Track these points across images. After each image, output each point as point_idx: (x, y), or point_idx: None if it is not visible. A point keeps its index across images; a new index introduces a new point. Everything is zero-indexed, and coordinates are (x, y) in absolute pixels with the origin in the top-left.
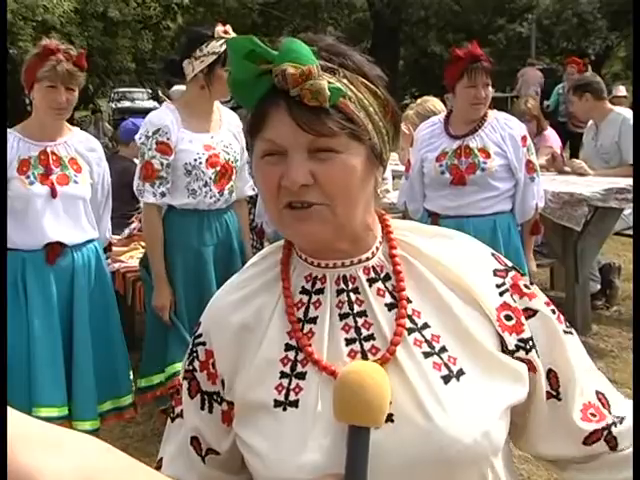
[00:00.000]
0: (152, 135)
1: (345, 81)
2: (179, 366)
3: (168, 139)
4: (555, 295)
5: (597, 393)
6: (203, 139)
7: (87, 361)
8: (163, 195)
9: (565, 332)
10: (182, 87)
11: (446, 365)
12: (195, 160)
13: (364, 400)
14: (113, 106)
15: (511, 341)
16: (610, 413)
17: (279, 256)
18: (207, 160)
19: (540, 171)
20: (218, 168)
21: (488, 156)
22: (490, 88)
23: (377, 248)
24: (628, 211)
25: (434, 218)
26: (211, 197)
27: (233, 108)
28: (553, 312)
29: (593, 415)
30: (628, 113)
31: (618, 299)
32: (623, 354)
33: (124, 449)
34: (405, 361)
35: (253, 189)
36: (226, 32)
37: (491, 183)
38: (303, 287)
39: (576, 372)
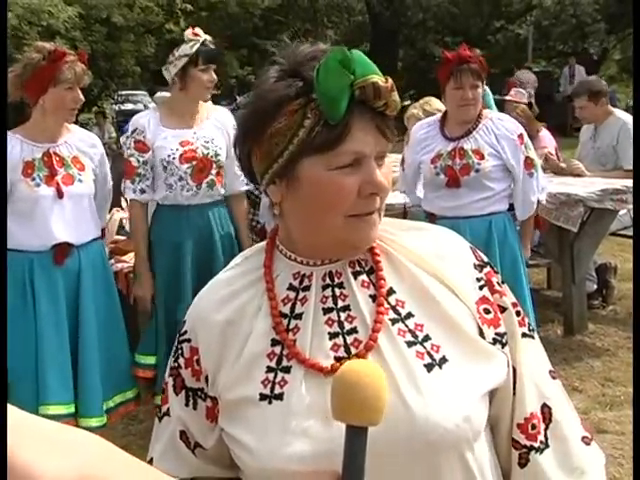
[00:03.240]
0: (130, 135)
1: None
2: (142, 358)
3: (144, 137)
4: (552, 295)
5: (543, 406)
6: (182, 135)
7: (93, 358)
8: (143, 191)
9: (524, 335)
10: (165, 93)
11: (429, 354)
12: (169, 156)
13: (360, 400)
14: (117, 108)
15: (489, 334)
16: (546, 430)
17: (262, 257)
18: (182, 155)
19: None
20: (194, 163)
21: (482, 157)
22: (479, 90)
23: None
24: (623, 211)
25: (431, 219)
26: (188, 190)
27: (233, 110)
28: (517, 314)
29: (533, 427)
30: (628, 117)
31: (614, 299)
32: (619, 352)
33: (127, 446)
34: (388, 351)
35: (247, 184)
36: (196, 34)
37: (486, 184)
38: (290, 284)
39: (525, 377)
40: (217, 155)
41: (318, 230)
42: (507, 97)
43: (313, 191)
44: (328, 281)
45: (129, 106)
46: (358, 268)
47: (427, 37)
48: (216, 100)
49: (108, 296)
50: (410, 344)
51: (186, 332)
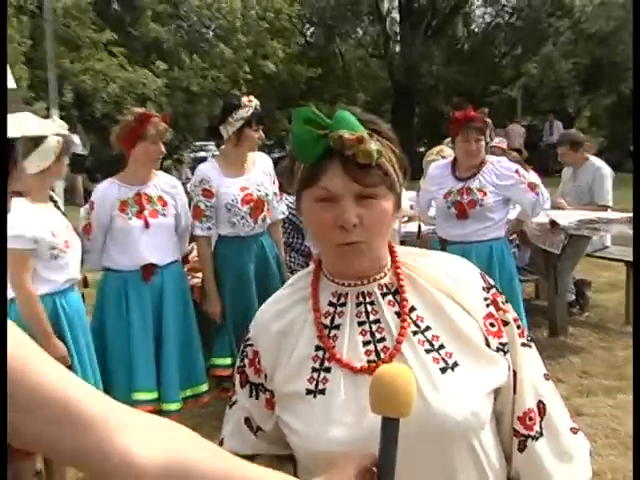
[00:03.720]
0: (198, 184)
1: (379, 143)
2: (219, 360)
3: (210, 186)
4: (540, 304)
5: (539, 402)
6: (239, 182)
7: (172, 356)
8: (209, 229)
9: (523, 344)
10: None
11: (443, 359)
12: (232, 200)
13: (395, 395)
14: (192, 156)
15: (494, 343)
16: (541, 422)
17: (310, 279)
18: (242, 199)
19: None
20: (252, 204)
21: (485, 194)
22: (482, 142)
23: (388, 269)
24: (596, 237)
25: (444, 244)
26: (247, 226)
27: (278, 157)
28: (518, 327)
29: (530, 419)
30: (600, 163)
31: (589, 307)
32: (593, 350)
33: (200, 424)
34: (410, 357)
35: (283, 213)
36: (250, 101)
37: (488, 215)
38: (330, 301)
39: (523, 379)
40: (267, 195)
41: (325, 256)
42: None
43: (307, 220)
44: (361, 299)
45: (202, 154)
46: (385, 290)
47: (438, 98)
48: (271, 150)
49: (185, 307)
50: (428, 351)
51: (250, 339)
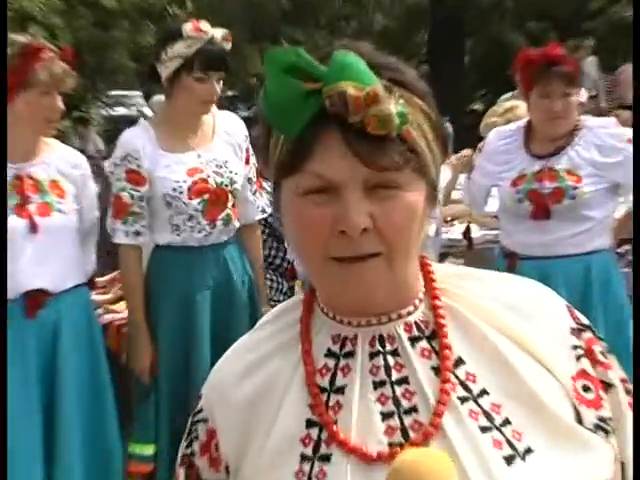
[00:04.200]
0: (120, 162)
1: (402, 102)
2: (138, 448)
3: (139, 166)
4: None
5: None
6: (187, 161)
7: (71, 440)
8: (138, 234)
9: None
10: (161, 97)
11: (509, 442)
12: (174, 190)
13: None
14: (105, 113)
15: (589, 418)
16: None
17: (298, 313)
18: (190, 189)
19: None
20: (207, 197)
21: (579, 180)
22: (573, 98)
23: (420, 300)
24: None
25: (511, 260)
26: (200, 231)
27: (247, 118)
28: (627, 392)
29: None
30: None
31: None
32: None
33: None
34: (456, 438)
35: (263, 211)
36: (198, 29)
37: (583, 213)
38: (329, 349)
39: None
40: (233, 183)
41: (318, 279)
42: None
43: (289, 222)
44: (378, 347)
45: (121, 110)
46: (416, 332)
47: (503, 22)
48: (234, 104)
49: (93, 358)
50: (485, 429)
51: (202, 410)
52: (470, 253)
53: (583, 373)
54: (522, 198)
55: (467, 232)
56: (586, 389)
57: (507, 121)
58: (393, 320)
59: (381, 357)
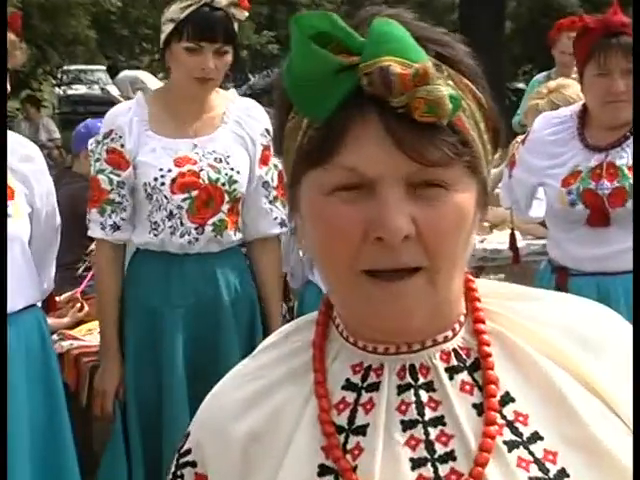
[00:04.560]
0: (102, 140)
1: (452, 84)
2: None
3: (122, 146)
4: None
5: None
6: (178, 148)
7: None
8: (116, 228)
9: None
10: (129, 72)
11: None
12: (156, 179)
13: None
14: (61, 93)
15: None
16: None
17: (310, 335)
18: (174, 180)
19: None
20: (194, 193)
21: None
22: None
23: (460, 323)
24: None
25: (561, 275)
26: (182, 235)
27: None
28: None
29: None
30: None
31: None
32: None
33: None
34: None
35: (282, 224)
36: None
37: None
38: (349, 380)
39: None
40: (233, 182)
41: (341, 295)
42: None
43: (310, 223)
44: (409, 379)
45: (80, 89)
46: (455, 362)
47: None
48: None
49: (49, 394)
50: None
51: (189, 451)
52: (512, 267)
53: None
54: (575, 200)
55: (513, 241)
56: None
57: (553, 105)
58: (427, 347)
59: (412, 391)
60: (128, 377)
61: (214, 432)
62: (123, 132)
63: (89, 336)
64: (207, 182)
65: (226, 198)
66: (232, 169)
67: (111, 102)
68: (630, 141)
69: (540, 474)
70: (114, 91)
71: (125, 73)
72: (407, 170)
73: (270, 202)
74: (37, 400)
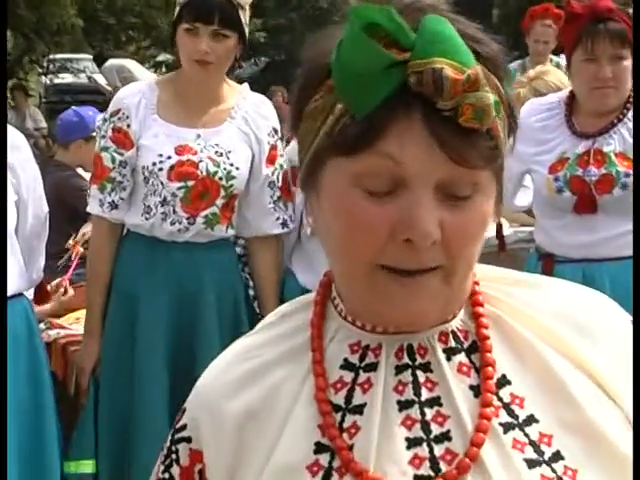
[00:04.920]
0: (110, 117)
1: (489, 86)
2: (85, 466)
3: (128, 126)
4: None
5: None
6: (181, 136)
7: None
8: (114, 206)
9: None
10: (115, 61)
11: None
12: (154, 164)
13: None
14: (47, 82)
15: None
16: None
17: (308, 315)
18: (172, 168)
19: None
20: (191, 183)
21: (633, 165)
22: (626, 62)
23: (459, 307)
24: None
25: (547, 263)
26: (173, 222)
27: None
28: None
29: None
30: None
31: None
32: None
33: None
34: (498, 472)
35: (284, 224)
36: None
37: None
38: (346, 360)
39: None
40: (230, 177)
41: (352, 282)
42: None
43: (331, 210)
44: (406, 359)
45: (67, 78)
46: (453, 343)
47: None
48: None
49: (36, 383)
50: (532, 464)
51: (185, 427)
52: (499, 255)
53: None
54: (563, 187)
55: (499, 230)
56: None
57: (535, 92)
58: (426, 329)
59: (409, 372)
60: (104, 358)
61: (210, 409)
62: (130, 113)
63: (76, 325)
64: (205, 174)
65: (222, 193)
66: (232, 164)
67: (98, 91)
68: (617, 127)
69: (535, 456)
70: (101, 80)
71: (112, 62)
72: (444, 172)
73: (274, 202)
74: (23, 389)
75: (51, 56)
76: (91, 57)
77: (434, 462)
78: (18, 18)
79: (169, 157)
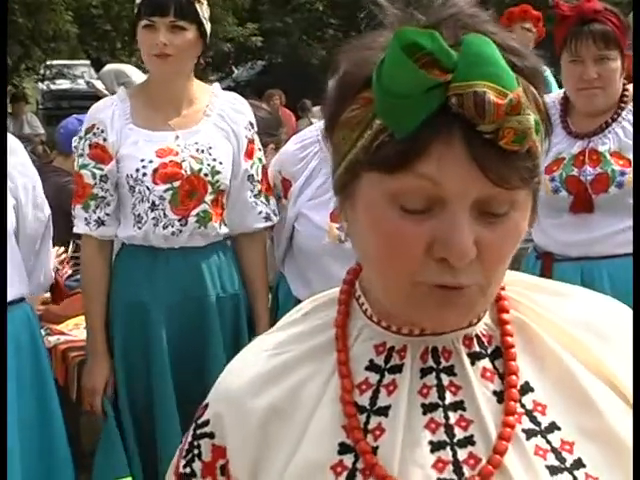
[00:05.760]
0: (85, 134)
1: (531, 105)
2: None
3: (105, 140)
4: None
5: None
6: (159, 139)
7: None
8: (100, 223)
9: None
10: (114, 66)
11: None
12: (137, 170)
13: None
14: (45, 88)
15: None
16: None
17: (331, 314)
18: (156, 171)
19: None
20: (177, 184)
21: (628, 164)
22: (614, 63)
23: (484, 310)
24: None
25: (546, 261)
26: (165, 226)
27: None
28: None
29: None
30: None
31: None
32: None
33: None
34: (521, 479)
35: (267, 218)
36: None
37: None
38: (372, 361)
39: None
40: (215, 173)
41: (380, 285)
42: None
43: (366, 225)
44: (431, 362)
45: (63, 84)
46: (478, 348)
47: None
48: (204, 72)
49: (39, 390)
50: (554, 471)
51: (208, 423)
52: None
53: None
54: (559, 187)
55: None
56: None
57: None
58: (451, 331)
59: (434, 375)
60: (118, 373)
61: (233, 405)
62: (105, 126)
63: (76, 331)
64: (189, 173)
65: (209, 189)
66: (214, 159)
67: (95, 96)
68: (611, 127)
69: (557, 463)
70: (99, 85)
71: (109, 67)
72: (482, 192)
73: (255, 196)
74: (27, 396)
75: (48, 62)
76: (89, 63)
77: (457, 466)
78: (14, 25)
79: (151, 161)
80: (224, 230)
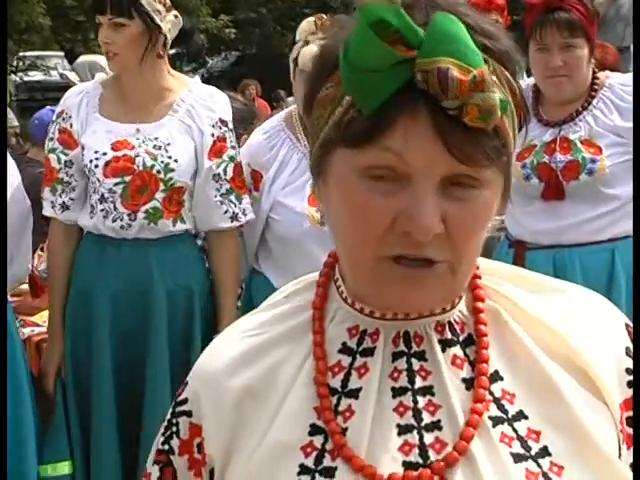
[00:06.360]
0: (56, 119)
1: (496, 80)
2: (62, 467)
3: (71, 126)
4: None
5: None
6: (118, 132)
7: None
8: (65, 208)
9: None
10: (90, 57)
11: (546, 476)
12: (91, 162)
13: None
14: (17, 79)
15: (627, 459)
16: None
17: (311, 296)
18: (107, 164)
19: None
20: (127, 179)
21: (599, 151)
22: (580, 51)
23: (459, 297)
24: None
25: (519, 249)
26: (114, 220)
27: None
28: None
29: None
30: None
31: None
32: None
33: None
34: (484, 465)
35: (234, 218)
36: None
37: (604, 192)
38: (344, 344)
39: None
40: (168, 170)
41: (347, 262)
42: None
43: (337, 199)
44: (402, 347)
45: (37, 76)
46: (449, 335)
47: None
48: (179, 63)
49: (14, 381)
50: (518, 458)
51: (186, 400)
52: None
53: (631, 403)
54: (530, 174)
55: None
56: (631, 423)
57: None
58: (424, 317)
59: (404, 359)
60: (66, 359)
61: (211, 384)
62: (72, 112)
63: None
64: (142, 168)
65: (161, 186)
66: (170, 157)
67: (69, 88)
68: (582, 114)
69: (522, 451)
70: (73, 77)
71: (84, 58)
72: (448, 169)
73: (221, 195)
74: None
75: (21, 54)
76: (62, 54)
77: (423, 450)
78: None
79: (104, 153)
80: (180, 227)
